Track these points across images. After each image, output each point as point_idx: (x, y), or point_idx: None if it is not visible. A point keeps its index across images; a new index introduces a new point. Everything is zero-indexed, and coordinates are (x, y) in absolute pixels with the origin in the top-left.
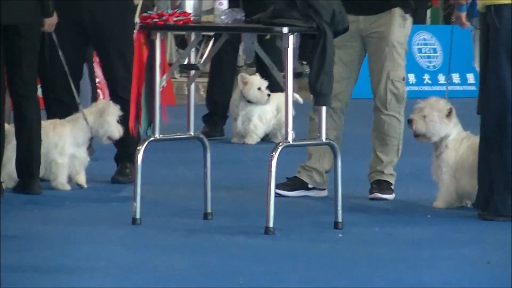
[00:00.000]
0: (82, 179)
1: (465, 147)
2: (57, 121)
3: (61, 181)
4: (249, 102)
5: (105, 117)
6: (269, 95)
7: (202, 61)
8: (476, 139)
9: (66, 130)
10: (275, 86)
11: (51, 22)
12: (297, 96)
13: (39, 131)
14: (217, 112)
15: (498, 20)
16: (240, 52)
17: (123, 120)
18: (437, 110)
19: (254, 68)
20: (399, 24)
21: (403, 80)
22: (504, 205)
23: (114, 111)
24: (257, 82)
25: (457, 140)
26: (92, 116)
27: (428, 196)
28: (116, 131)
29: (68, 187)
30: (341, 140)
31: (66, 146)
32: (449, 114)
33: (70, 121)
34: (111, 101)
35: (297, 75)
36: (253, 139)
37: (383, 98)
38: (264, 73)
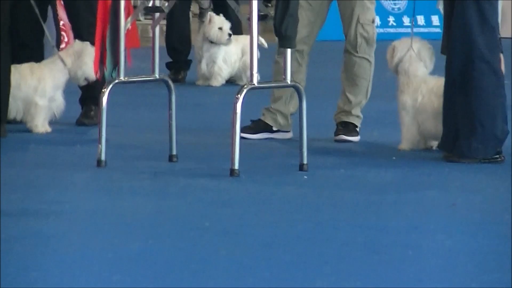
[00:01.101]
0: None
1: (424, 91)
2: (33, 64)
3: (37, 123)
4: (212, 43)
5: (82, 58)
6: (230, 35)
7: (167, 3)
8: (437, 82)
9: (45, 73)
10: (237, 29)
11: None
12: (262, 40)
13: (7, 74)
14: (179, 60)
15: None
16: None
17: None
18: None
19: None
20: None
21: (373, 22)
22: (469, 148)
23: (91, 52)
24: (219, 21)
25: (410, 84)
26: (70, 58)
27: (393, 139)
28: (93, 72)
29: (42, 129)
30: (305, 82)
31: (47, 88)
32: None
33: (48, 63)
34: (87, 42)
35: (261, 17)
36: (218, 81)
37: (354, 41)
38: (224, 15)
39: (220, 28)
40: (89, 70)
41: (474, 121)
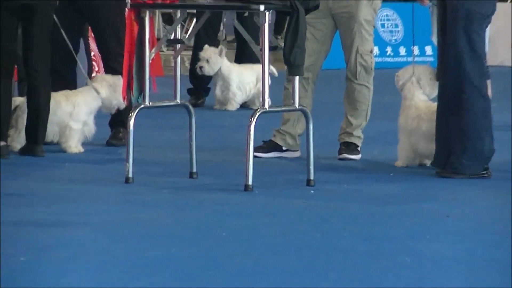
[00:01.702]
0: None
1: (414, 116)
2: (68, 92)
3: (71, 144)
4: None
5: (117, 90)
6: (201, 67)
7: (187, 36)
8: (426, 108)
9: (80, 100)
10: (253, 58)
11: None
12: (273, 69)
13: (47, 101)
14: (200, 86)
15: None
16: (222, 27)
17: None
18: None
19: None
20: (366, 4)
21: (371, 52)
22: (460, 164)
23: (121, 84)
24: (202, 53)
25: (406, 108)
26: (105, 90)
27: (391, 157)
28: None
29: (75, 150)
30: (311, 106)
31: (81, 114)
32: None
33: (82, 91)
34: (119, 76)
35: (272, 48)
36: (233, 105)
37: (354, 69)
38: (243, 46)
39: (198, 59)
40: (121, 101)
41: (464, 141)
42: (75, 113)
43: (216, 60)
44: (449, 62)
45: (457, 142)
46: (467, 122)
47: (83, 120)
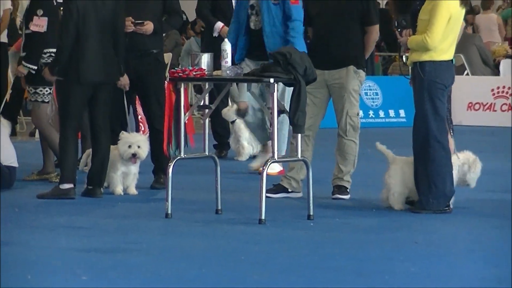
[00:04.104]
0: (133, 190)
1: None
2: (113, 147)
3: (114, 189)
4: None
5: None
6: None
7: (213, 103)
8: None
9: (117, 153)
10: None
11: (124, 82)
12: None
13: (108, 153)
14: (222, 142)
15: (422, 72)
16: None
17: (159, 145)
18: None
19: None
20: (353, 77)
21: (358, 115)
22: (427, 202)
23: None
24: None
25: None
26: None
27: (374, 196)
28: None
29: (118, 192)
30: (311, 158)
31: (118, 165)
32: None
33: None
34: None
35: (280, 112)
36: (243, 156)
37: (344, 128)
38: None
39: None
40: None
41: (430, 184)
42: (114, 165)
43: (228, 114)
44: (417, 122)
45: (425, 185)
46: (432, 169)
47: (120, 169)
